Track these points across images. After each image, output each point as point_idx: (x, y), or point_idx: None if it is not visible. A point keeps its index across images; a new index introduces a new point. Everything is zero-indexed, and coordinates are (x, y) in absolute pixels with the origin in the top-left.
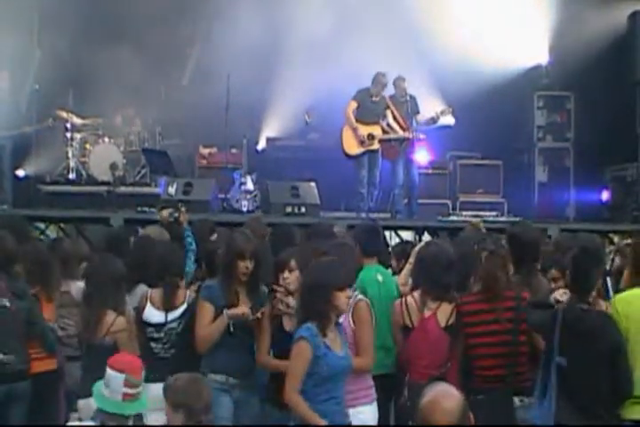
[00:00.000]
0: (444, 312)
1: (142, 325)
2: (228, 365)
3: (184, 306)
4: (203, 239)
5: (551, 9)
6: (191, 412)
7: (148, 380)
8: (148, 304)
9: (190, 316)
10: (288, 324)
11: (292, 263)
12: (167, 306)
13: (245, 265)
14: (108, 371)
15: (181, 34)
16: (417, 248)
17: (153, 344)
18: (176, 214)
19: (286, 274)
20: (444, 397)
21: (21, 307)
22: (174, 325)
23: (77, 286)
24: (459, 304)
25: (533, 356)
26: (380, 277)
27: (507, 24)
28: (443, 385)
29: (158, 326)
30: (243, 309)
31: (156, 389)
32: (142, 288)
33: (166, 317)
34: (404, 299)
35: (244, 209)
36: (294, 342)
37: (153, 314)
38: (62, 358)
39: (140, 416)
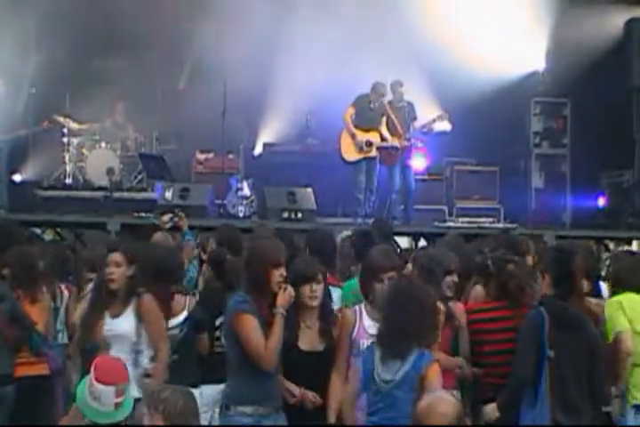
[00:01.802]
0: None
1: None
2: (256, 392)
3: (184, 313)
4: (231, 246)
5: (548, 16)
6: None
7: None
8: None
9: (192, 323)
10: (304, 342)
11: (319, 276)
12: (165, 314)
13: (280, 273)
14: (96, 385)
15: (178, 38)
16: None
17: None
18: (176, 219)
19: (314, 286)
20: (440, 402)
21: (2, 309)
22: (175, 331)
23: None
24: (473, 311)
25: None
26: None
27: (504, 30)
28: (440, 390)
29: None
30: (286, 294)
31: None
32: None
33: (173, 322)
34: None
35: (241, 214)
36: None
37: None
38: (59, 360)
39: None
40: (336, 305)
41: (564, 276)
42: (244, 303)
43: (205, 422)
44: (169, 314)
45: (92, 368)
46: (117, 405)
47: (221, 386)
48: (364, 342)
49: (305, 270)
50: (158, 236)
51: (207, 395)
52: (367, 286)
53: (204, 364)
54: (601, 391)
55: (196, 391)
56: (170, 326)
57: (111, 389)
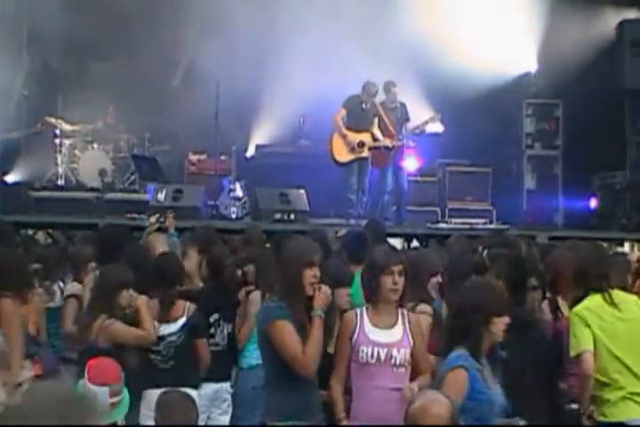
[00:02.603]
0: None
1: None
2: (295, 405)
3: (183, 319)
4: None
5: (540, 17)
6: None
7: (145, 388)
8: None
9: (190, 329)
10: (332, 346)
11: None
12: (163, 319)
13: (314, 274)
14: (90, 386)
15: (171, 40)
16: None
17: (152, 356)
18: (162, 220)
19: (347, 290)
20: (434, 403)
21: None
22: (173, 338)
23: (69, 286)
24: None
25: None
26: None
27: (496, 32)
28: (433, 391)
29: (157, 340)
30: (322, 295)
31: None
32: (132, 294)
33: (172, 327)
34: None
35: (233, 216)
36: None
37: None
38: (54, 360)
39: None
40: None
41: (518, 281)
42: (277, 309)
43: (202, 423)
44: (164, 318)
45: (86, 370)
46: (113, 405)
47: (218, 385)
48: (364, 349)
49: (338, 274)
50: (152, 238)
51: (204, 395)
52: (372, 285)
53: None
54: (555, 391)
55: (194, 393)
56: (168, 331)
57: (105, 389)
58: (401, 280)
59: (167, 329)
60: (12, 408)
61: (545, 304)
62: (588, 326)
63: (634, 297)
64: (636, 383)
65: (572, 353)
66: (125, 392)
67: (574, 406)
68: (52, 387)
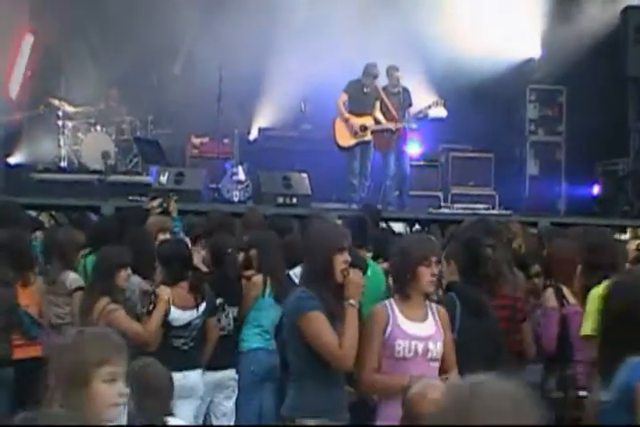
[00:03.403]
0: None
1: (166, 327)
2: (323, 402)
3: (204, 304)
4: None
5: (544, 3)
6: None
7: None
8: (172, 307)
9: (209, 309)
10: None
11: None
12: (197, 303)
13: (344, 259)
14: None
15: (174, 23)
16: None
17: (174, 340)
18: (165, 205)
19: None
20: (431, 389)
21: (8, 294)
22: (197, 321)
23: (71, 277)
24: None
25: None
26: (368, 271)
27: (500, 17)
28: (430, 378)
29: (184, 327)
30: (355, 283)
31: (177, 379)
32: (135, 280)
33: (195, 314)
34: None
35: (236, 199)
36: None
37: (178, 315)
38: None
39: None
40: None
41: (472, 263)
42: (308, 300)
43: (204, 407)
44: (194, 304)
45: None
46: None
47: (222, 373)
48: (400, 344)
49: (354, 260)
50: (152, 220)
51: (208, 382)
52: (406, 276)
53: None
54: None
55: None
56: (195, 316)
57: None
58: (437, 271)
59: (195, 314)
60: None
61: (550, 292)
62: None
63: None
64: None
65: (584, 332)
66: None
67: (582, 393)
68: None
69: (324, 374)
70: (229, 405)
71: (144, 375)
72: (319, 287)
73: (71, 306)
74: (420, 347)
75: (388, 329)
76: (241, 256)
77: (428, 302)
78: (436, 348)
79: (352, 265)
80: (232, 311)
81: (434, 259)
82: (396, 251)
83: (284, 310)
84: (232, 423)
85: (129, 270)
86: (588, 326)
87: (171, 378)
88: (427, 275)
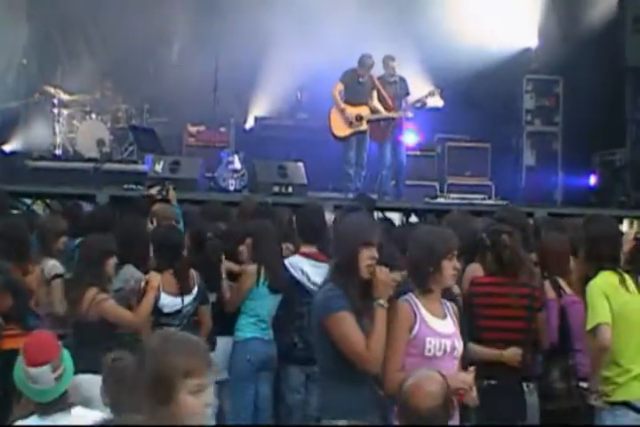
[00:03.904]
0: None
1: (157, 314)
2: (352, 403)
3: (196, 288)
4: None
5: None
6: None
7: None
8: (162, 293)
9: (200, 296)
10: None
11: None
12: (184, 291)
13: (371, 255)
14: (30, 370)
15: (171, 12)
16: None
17: (166, 329)
18: (164, 192)
19: (395, 275)
20: (427, 380)
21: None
22: (189, 308)
23: (50, 264)
24: (472, 284)
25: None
26: None
27: (496, 7)
28: (426, 370)
29: (174, 314)
30: (384, 281)
31: None
32: (129, 269)
33: (183, 301)
34: None
35: (231, 188)
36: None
37: (168, 301)
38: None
39: None
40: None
41: (490, 251)
42: (336, 298)
43: None
44: (184, 290)
45: (22, 353)
46: (57, 378)
47: None
48: (431, 341)
49: (389, 257)
50: (158, 207)
51: None
52: (429, 270)
53: None
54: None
55: None
56: (186, 302)
57: (46, 368)
58: (459, 264)
59: (186, 300)
60: None
61: (547, 284)
62: (607, 299)
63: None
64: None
65: (589, 326)
66: (66, 357)
67: (584, 384)
68: None
69: (353, 374)
70: None
71: (118, 369)
72: (345, 283)
73: (50, 294)
74: (449, 345)
75: (416, 327)
76: (242, 248)
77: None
78: (460, 345)
79: (383, 264)
80: (212, 297)
81: (455, 252)
82: (419, 244)
83: (313, 307)
84: None
85: (115, 258)
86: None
87: None
88: (450, 269)
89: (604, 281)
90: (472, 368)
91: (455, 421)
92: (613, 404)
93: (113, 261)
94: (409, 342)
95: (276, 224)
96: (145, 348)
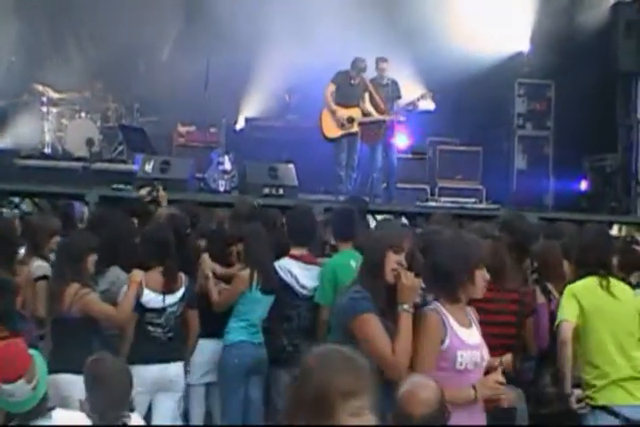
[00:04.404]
0: None
1: (141, 310)
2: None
3: (182, 289)
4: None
5: None
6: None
7: (146, 362)
8: (145, 289)
9: (188, 298)
10: None
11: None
12: (168, 289)
13: (398, 259)
14: (5, 387)
15: (162, 11)
16: None
17: (151, 328)
18: (154, 193)
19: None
20: (421, 387)
21: None
22: (174, 308)
23: (35, 265)
24: None
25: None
26: (353, 263)
27: (489, 11)
28: (420, 376)
29: (159, 311)
30: (409, 286)
31: (157, 370)
32: (115, 271)
33: (164, 300)
34: None
35: (222, 189)
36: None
37: (152, 298)
38: (34, 336)
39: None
40: (314, 284)
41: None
42: (363, 301)
43: (144, 405)
44: (169, 289)
45: None
46: (34, 387)
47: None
48: (463, 354)
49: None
50: (161, 211)
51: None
52: (461, 280)
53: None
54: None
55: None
56: (172, 301)
57: (20, 382)
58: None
59: (171, 299)
60: None
61: (537, 289)
62: (578, 302)
63: (627, 287)
64: (619, 369)
65: (556, 322)
66: (39, 362)
67: (577, 391)
68: None
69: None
70: (171, 405)
71: (98, 371)
72: (371, 286)
73: (33, 295)
74: (478, 356)
75: (447, 340)
76: (234, 250)
77: None
78: (487, 355)
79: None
80: None
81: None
82: (451, 253)
83: (337, 309)
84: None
85: (95, 255)
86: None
87: (129, 373)
88: (481, 278)
89: (581, 284)
90: (498, 367)
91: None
92: (595, 408)
93: (93, 258)
94: (440, 354)
95: (271, 227)
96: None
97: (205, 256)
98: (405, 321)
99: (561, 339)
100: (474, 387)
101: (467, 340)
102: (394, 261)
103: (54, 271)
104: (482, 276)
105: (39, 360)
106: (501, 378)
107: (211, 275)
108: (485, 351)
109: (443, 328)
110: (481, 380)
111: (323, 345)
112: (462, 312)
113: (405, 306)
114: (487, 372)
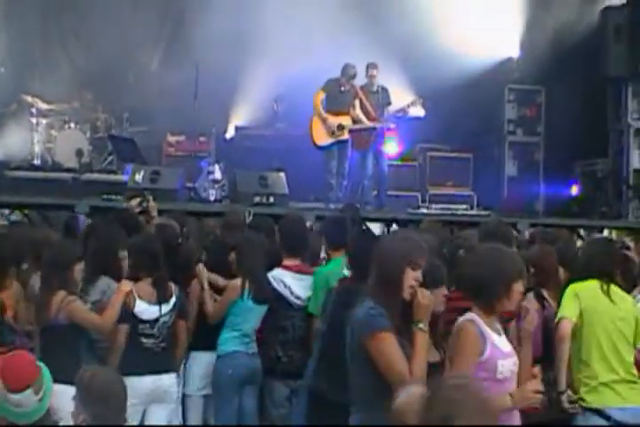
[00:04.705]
0: None
1: (133, 321)
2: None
3: (174, 298)
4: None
5: (523, 2)
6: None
7: (139, 374)
8: (138, 300)
9: (179, 309)
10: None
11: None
12: (162, 299)
13: (416, 276)
14: (13, 396)
15: (152, 20)
16: None
17: (144, 340)
18: (145, 204)
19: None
20: (417, 398)
21: None
22: (166, 318)
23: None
24: (449, 299)
25: None
26: (346, 272)
27: (479, 17)
28: (415, 387)
29: (152, 322)
30: (424, 304)
31: (150, 382)
32: (105, 280)
33: (160, 310)
34: None
35: (212, 198)
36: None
37: (145, 309)
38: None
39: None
40: (308, 294)
41: (360, 259)
42: (380, 317)
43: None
44: (161, 299)
45: (1, 379)
46: (40, 399)
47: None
48: (503, 364)
49: (434, 272)
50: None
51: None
52: (501, 293)
53: None
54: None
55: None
56: (163, 312)
57: (28, 392)
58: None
59: (163, 310)
60: None
61: (530, 295)
62: (579, 301)
63: (627, 295)
64: (611, 371)
65: (556, 320)
66: (46, 374)
67: (569, 392)
68: None
69: (390, 392)
70: (163, 415)
71: (93, 384)
72: (386, 302)
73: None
74: (513, 363)
75: (487, 350)
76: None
77: None
78: (517, 362)
79: (432, 278)
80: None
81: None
82: (490, 266)
83: (353, 324)
84: None
85: (82, 264)
86: None
87: (124, 386)
88: (518, 292)
89: (582, 284)
90: (538, 376)
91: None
92: (587, 410)
93: (80, 267)
94: (480, 365)
95: (265, 236)
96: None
97: (201, 266)
98: (421, 340)
99: (559, 335)
100: (510, 395)
101: (503, 349)
102: (412, 278)
103: (42, 281)
104: (519, 290)
105: (46, 373)
106: (541, 387)
107: (207, 286)
108: (517, 358)
109: (481, 339)
110: (519, 389)
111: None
112: (495, 320)
113: (421, 325)
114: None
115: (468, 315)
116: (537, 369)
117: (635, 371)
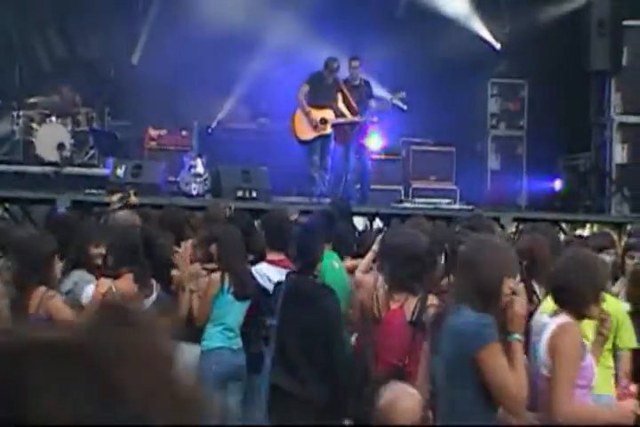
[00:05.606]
0: (409, 306)
1: None
2: None
3: (154, 295)
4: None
5: None
6: None
7: None
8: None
9: (161, 304)
10: None
11: None
12: (142, 296)
13: (511, 285)
14: None
15: (133, 14)
16: (380, 236)
17: None
18: (125, 200)
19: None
20: (402, 396)
21: None
22: None
23: None
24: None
25: None
26: (336, 264)
27: (462, 10)
28: (400, 385)
29: None
30: (520, 314)
31: None
32: (79, 272)
33: (146, 304)
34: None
35: (194, 192)
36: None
37: None
38: None
39: None
40: None
41: (306, 250)
42: (491, 328)
43: None
44: (143, 294)
45: None
46: None
47: None
48: (594, 372)
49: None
50: (122, 214)
51: None
52: (595, 297)
53: None
54: (338, 375)
55: None
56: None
57: None
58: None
59: (144, 305)
60: None
61: (521, 287)
62: None
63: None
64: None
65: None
66: None
67: None
68: None
69: (494, 411)
70: None
71: None
72: (486, 311)
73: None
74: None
75: (587, 357)
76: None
77: None
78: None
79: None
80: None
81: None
82: (587, 272)
83: (457, 332)
84: None
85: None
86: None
87: None
88: (602, 300)
89: None
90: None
91: None
92: None
93: (55, 260)
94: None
95: (247, 231)
96: None
97: (192, 268)
98: (520, 352)
99: None
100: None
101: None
102: (508, 287)
103: (17, 278)
104: (602, 297)
105: None
106: (638, 410)
107: (195, 289)
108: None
109: (583, 346)
110: (620, 405)
111: None
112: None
113: (517, 335)
114: None
115: (561, 317)
116: (634, 387)
117: None
